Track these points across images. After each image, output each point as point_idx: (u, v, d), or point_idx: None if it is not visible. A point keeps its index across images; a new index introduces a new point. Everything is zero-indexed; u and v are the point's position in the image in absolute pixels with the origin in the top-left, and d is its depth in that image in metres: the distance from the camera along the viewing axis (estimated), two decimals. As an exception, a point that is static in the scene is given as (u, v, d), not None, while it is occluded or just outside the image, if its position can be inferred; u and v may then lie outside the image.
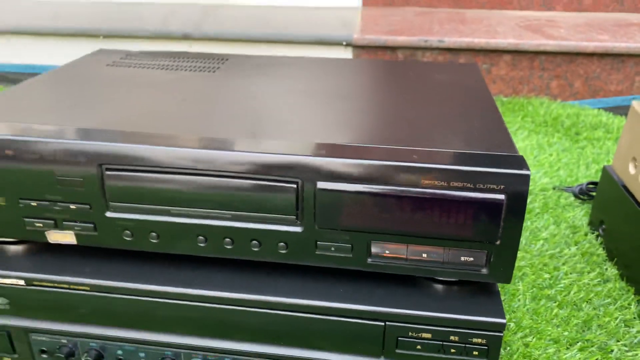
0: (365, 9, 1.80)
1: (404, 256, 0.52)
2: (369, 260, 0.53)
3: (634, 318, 0.73)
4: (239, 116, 0.60)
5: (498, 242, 0.50)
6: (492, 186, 0.48)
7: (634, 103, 0.80)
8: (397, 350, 0.54)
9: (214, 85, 0.71)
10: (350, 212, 0.51)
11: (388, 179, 0.49)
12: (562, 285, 0.79)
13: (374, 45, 1.44)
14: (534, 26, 1.55)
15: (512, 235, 0.50)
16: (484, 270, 0.52)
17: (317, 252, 0.54)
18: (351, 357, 0.57)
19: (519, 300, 0.75)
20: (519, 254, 0.85)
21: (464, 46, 1.41)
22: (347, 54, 1.47)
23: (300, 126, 0.59)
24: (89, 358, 0.60)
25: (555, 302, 0.75)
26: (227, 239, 0.54)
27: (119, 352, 0.60)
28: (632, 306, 0.74)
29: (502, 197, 0.48)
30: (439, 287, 0.56)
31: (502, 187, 0.48)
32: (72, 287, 0.57)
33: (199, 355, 0.59)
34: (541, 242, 0.89)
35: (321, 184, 0.50)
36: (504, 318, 0.52)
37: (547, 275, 0.80)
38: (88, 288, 0.57)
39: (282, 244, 0.54)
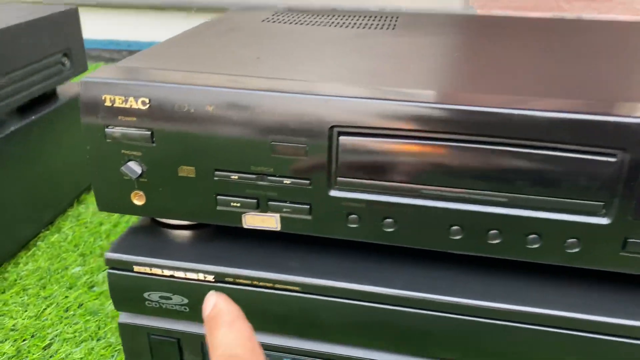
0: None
1: None
2: (701, 266, 0.39)
3: None
4: (488, 72, 0.47)
5: None
6: None
7: None
8: None
9: (409, 41, 0.58)
10: (694, 199, 0.37)
11: None
12: None
13: (498, 22, 1.28)
14: (676, 4, 1.37)
15: None
16: None
17: (622, 254, 0.39)
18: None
19: None
20: None
21: (605, 23, 1.24)
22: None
23: (565, 83, 0.44)
24: (282, 377, 0.47)
25: None
26: (493, 231, 0.41)
27: (320, 371, 0.48)
28: None
29: None
30: None
31: None
32: (276, 286, 0.44)
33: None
34: None
35: (657, 158, 0.36)
36: None
37: None
38: (298, 288, 0.44)
39: (573, 240, 0.40)
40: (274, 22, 0.67)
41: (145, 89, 0.41)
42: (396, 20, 0.68)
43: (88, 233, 0.77)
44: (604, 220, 0.39)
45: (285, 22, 0.66)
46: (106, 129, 0.43)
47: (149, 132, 0.42)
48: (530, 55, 0.53)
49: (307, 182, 0.42)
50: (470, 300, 0.42)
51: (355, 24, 0.66)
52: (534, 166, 0.38)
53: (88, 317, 0.62)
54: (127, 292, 0.47)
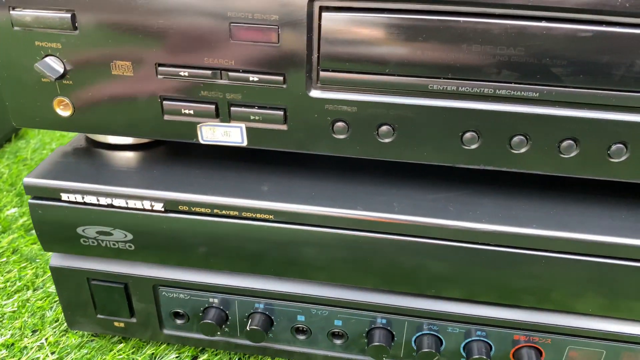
0: None
1: None
2: None
3: None
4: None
5: None
6: None
7: None
8: None
9: None
10: None
11: None
12: None
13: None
14: None
15: None
16: None
17: (681, 162, 0.31)
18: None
19: None
20: None
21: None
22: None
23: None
24: (253, 326, 0.39)
25: None
26: (518, 138, 0.32)
27: (300, 317, 0.39)
28: None
29: None
30: None
31: None
32: (244, 214, 0.35)
33: (431, 325, 0.38)
34: None
35: None
36: None
37: None
38: (272, 216, 0.35)
39: (618, 146, 0.31)
40: None
41: (59, -47, 0.31)
42: None
43: (27, 171, 0.67)
44: (662, 119, 0.30)
45: None
46: (12, 12, 0.32)
47: (69, 14, 0.32)
48: None
49: (281, 78, 0.32)
50: (479, 225, 0.33)
51: None
52: (576, 47, 0.29)
53: (24, 264, 0.52)
54: (56, 228, 0.38)
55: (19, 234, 0.56)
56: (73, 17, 0.32)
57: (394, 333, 0.38)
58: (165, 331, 0.42)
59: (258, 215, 0.35)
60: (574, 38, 0.29)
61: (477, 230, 0.33)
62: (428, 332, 0.38)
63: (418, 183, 0.36)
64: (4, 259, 0.53)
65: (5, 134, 0.73)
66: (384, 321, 0.38)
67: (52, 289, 0.49)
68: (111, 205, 0.36)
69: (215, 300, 0.39)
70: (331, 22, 0.30)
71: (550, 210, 0.34)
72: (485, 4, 0.29)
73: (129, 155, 0.39)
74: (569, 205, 0.35)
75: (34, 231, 0.57)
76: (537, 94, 0.31)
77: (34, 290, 0.49)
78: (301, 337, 0.40)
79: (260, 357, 0.44)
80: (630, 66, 0.29)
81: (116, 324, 0.42)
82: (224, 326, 0.40)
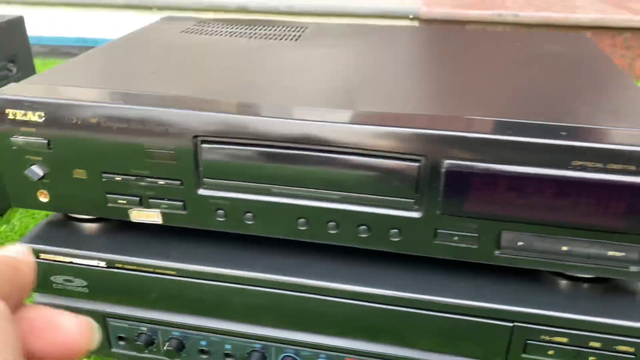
0: (426, -18, 1.71)
1: (541, 249, 0.45)
2: (497, 252, 0.46)
3: None
4: (339, 86, 0.54)
5: (658, 236, 0.43)
6: (659, 170, 0.41)
7: None
8: (524, 355, 0.48)
9: (302, 53, 0.65)
10: (482, 197, 0.44)
11: (531, 158, 0.42)
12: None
13: (442, 19, 1.35)
14: (617, 1, 1.43)
15: (676, 229, 0.43)
16: (634, 268, 0.45)
17: (435, 242, 0.47)
18: (465, 360, 0.51)
19: None
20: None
21: (541, 21, 1.31)
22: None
23: (414, 97, 0.52)
24: (169, 348, 0.55)
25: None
26: (332, 223, 0.48)
27: (203, 342, 0.55)
28: None
29: (671, 183, 0.41)
30: (568, 284, 0.49)
31: (671, 171, 0.41)
32: (156, 270, 0.52)
33: (290, 350, 0.54)
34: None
35: (450, 163, 0.43)
36: (658, 324, 0.45)
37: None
38: (174, 272, 0.52)
39: (394, 230, 0.47)
40: (193, 32, 0.74)
41: (40, 105, 0.49)
42: (302, 31, 0.75)
43: (34, 223, 0.85)
44: (416, 214, 0.46)
45: (202, 33, 0.73)
46: (11, 138, 0.50)
47: (46, 141, 0.50)
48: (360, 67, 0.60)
49: (179, 182, 0.49)
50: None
51: (267, 35, 0.73)
52: (356, 170, 0.45)
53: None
54: (37, 276, 0.55)
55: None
56: (48, 142, 0.50)
57: None
58: (113, 349, 0.58)
59: (165, 271, 0.52)
60: (352, 165, 0.45)
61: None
62: None
63: (276, 246, 0.53)
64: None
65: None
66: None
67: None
68: (72, 263, 0.53)
69: (144, 328, 0.56)
70: (207, 148, 0.47)
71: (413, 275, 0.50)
72: (299, 147, 0.46)
73: (91, 226, 0.57)
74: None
75: (33, 273, 0.75)
76: (339, 196, 0.47)
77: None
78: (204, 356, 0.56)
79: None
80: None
81: (80, 344, 0.59)
82: (152, 347, 0.57)
